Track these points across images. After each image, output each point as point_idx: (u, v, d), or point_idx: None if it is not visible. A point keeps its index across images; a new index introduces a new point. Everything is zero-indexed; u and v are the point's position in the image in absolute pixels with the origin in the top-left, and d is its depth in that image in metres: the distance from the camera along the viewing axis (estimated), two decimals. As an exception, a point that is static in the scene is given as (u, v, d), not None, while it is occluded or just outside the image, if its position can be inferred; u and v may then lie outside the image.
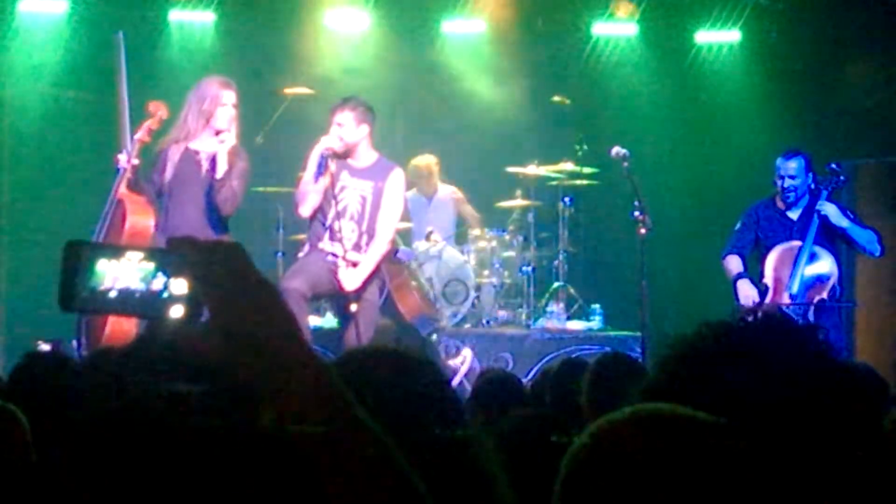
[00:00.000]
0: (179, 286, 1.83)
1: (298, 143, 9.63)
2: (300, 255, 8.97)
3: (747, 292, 9.03)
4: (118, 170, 8.21)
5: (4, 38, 11.31)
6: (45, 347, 8.48)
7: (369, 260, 8.60)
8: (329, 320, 10.43)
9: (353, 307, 8.49)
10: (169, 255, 1.83)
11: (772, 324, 1.91)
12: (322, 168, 8.52)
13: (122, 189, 8.16)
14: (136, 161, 8.23)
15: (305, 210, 8.61)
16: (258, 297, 1.77)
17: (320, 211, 8.66)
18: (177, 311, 1.82)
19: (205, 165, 8.30)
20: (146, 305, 1.83)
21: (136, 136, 8.27)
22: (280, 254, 10.97)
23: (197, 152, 8.34)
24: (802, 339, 1.88)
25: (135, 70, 11.75)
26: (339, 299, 8.80)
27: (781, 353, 1.84)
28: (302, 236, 9.56)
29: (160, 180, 8.33)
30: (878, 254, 9.12)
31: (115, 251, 1.85)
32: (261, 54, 12.16)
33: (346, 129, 8.60)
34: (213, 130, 8.35)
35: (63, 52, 11.54)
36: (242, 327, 1.74)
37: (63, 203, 11.51)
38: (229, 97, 8.42)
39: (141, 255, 1.84)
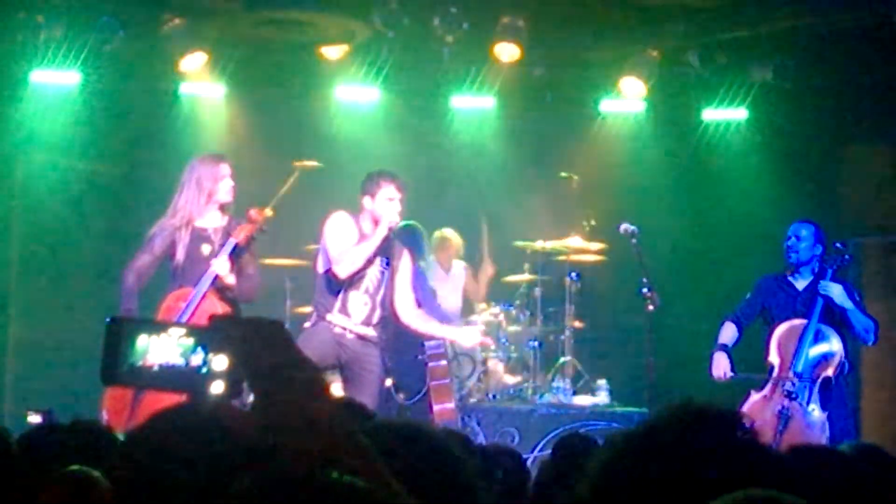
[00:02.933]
0: (220, 362, 1.85)
1: (307, 216, 9.67)
2: (306, 325, 9.00)
3: (719, 363, 9.13)
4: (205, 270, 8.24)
5: (17, 108, 11.37)
6: (35, 418, 8.42)
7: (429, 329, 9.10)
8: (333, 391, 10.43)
9: (388, 382, 8.60)
10: (210, 332, 1.86)
11: (691, 415, 1.93)
12: (387, 242, 8.68)
13: (208, 290, 8.19)
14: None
15: (346, 273, 8.65)
16: (296, 372, 1.80)
17: (335, 281, 8.70)
18: (217, 387, 1.85)
19: (215, 240, 8.40)
20: (187, 381, 1.86)
21: (237, 240, 8.31)
22: (286, 325, 10.97)
23: (205, 230, 8.45)
24: (724, 429, 1.91)
25: (146, 142, 11.92)
26: (344, 371, 8.83)
27: (701, 444, 1.86)
28: (309, 308, 9.58)
29: (172, 263, 8.39)
30: (870, 343, 9.11)
31: (157, 327, 1.88)
32: (271, 127, 12.23)
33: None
34: (216, 205, 8.50)
35: (75, 124, 11.59)
36: (282, 401, 1.76)
37: (74, 273, 11.54)
38: (226, 170, 8.58)
39: (182, 331, 1.87)
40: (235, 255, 8.29)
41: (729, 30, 11.61)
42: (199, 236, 8.40)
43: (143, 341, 1.87)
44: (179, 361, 1.87)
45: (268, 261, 11.09)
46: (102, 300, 10.27)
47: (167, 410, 2.19)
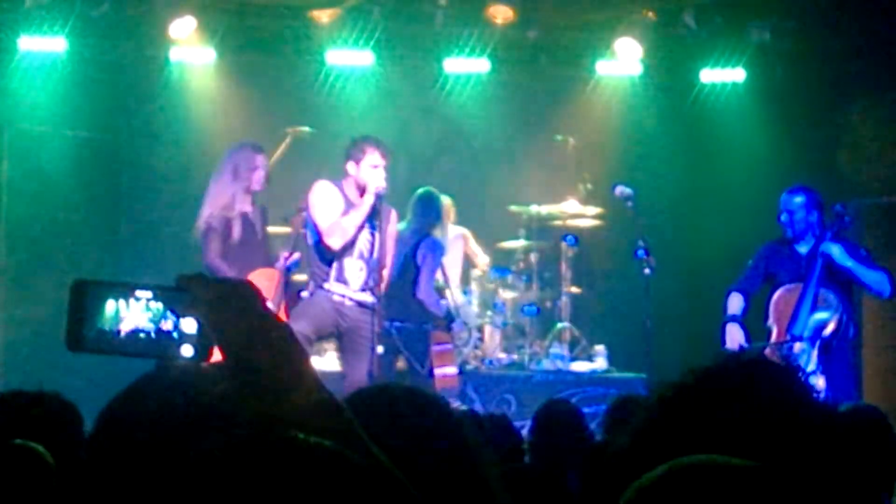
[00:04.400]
0: (189, 325, 1.78)
1: (300, 182, 9.60)
2: (304, 294, 9.00)
3: (734, 335, 9.03)
4: (289, 268, 9.01)
5: (4, 75, 11.26)
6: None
7: None
8: (329, 362, 10.38)
9: (380, 349, 8.62)
10: (178, 294, 1.78)
11: (752, 367, 1.95)
12: (376, 208, 8.68)
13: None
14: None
15: (338, 245, 8.71)
16: (269, 336, 1.74)
17: (329, 250, 8.70)
18: (187, 351, 1.78)
19: (256, 224, 9.10)
20: (156, 346, 1.79)
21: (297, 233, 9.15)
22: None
23: (246, 213, 9.03)
24: (782, 381, 1.92)
25: (135, 109, 11.82)
26: (343, 340, 8.81)
27: (762, 395, 1.87)
28: (302, 276, 9.52)
29: (227, 247, 8.93)
30: (886, 294, 8.97)
31: (124, 291, 1.79)
32: (262, 92, 12.14)
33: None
34: (249, 193, 9.09)
35: (63, 90, 11.49)
36: (254, 365, 1.70)
37: (63, 243, 11.44)
38: (261, 161, 9.14)
39: (150, 294, 1.79)
40: None
41: (725, -11, 11.53)
42: (244, 220, 9.00)
43: (110, 306, 1.78)
44: (149, 326, 1.77)
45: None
46: (92, 269, 10.19)
47: (140, 378, 2.11)
